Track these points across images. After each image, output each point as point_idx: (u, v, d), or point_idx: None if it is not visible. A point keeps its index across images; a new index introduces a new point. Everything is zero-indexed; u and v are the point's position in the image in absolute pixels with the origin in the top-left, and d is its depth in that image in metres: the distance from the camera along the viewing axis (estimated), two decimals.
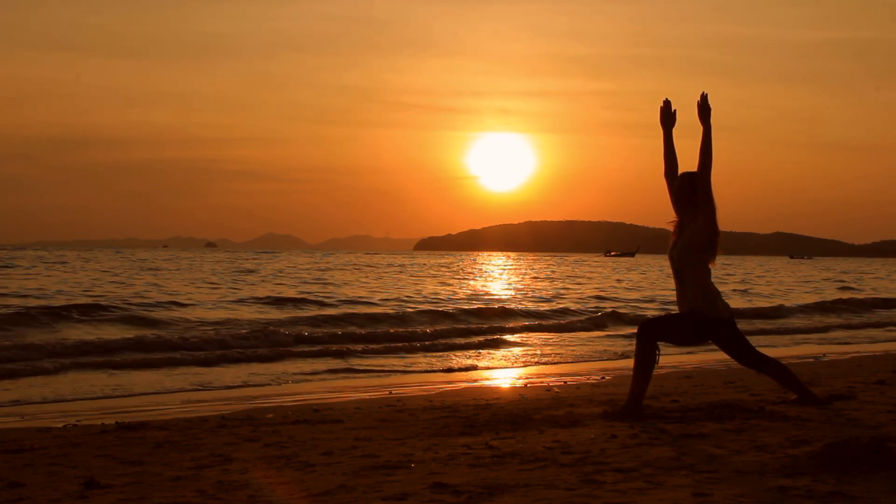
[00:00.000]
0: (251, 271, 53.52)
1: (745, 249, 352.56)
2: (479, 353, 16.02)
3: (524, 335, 19.57)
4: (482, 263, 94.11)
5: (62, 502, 4.49)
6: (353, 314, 22.11)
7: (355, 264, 75.48)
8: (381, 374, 13.10)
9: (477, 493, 4.13)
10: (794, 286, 46.62)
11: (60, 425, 8.04)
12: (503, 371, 13.56)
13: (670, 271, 6.41)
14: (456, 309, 24.71)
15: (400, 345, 16.77)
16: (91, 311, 20.82)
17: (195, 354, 14.50)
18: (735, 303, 29.48)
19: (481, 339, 18.11)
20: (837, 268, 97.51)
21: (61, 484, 4.93)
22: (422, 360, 14.73)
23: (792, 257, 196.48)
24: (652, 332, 6.19)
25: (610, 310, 25.51)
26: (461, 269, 70.90)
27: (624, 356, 15.14)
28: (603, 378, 11.70)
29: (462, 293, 34.20)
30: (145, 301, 24.78)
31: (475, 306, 25.84)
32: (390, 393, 10.47)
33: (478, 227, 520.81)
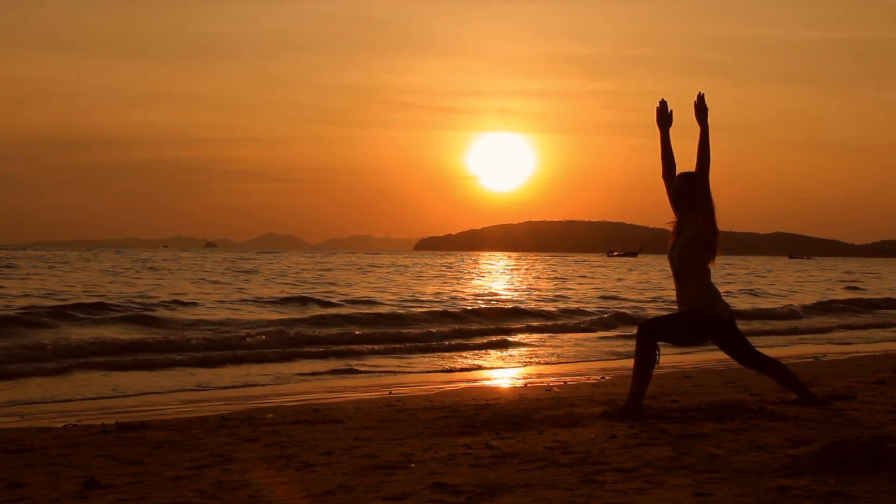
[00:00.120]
0: (253, 271, 53.51)
1: (745, 249, 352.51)
2: (483, 353, 16.03)
3: (530, 336, 19.48)
4: (484, 263, 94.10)
5: (62, 502, 4.49)
6: (356, 315, 22.08)
7: (357, 264, 75.47)
8: (382, 374, 13.10)
9: (477, 493, 4.13)
10: (800, 286, 46.59)
11: (60, 425, 8.04)
12: (503, 371, 13.57)
13: (671, 272, 6.41)
14: (461, 309, 24.69)
15: (403, 345, 16.71)
16: (94, 311, 20.83)
17: (196, 355, 14.49)
18: (743, 304, 29.56)
19: (486, 339, 18.06)
20: (839, 268, 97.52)
21: (61, 484, 4.93)
22: (425, 361, 14.73)
23: (791, 257, 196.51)
24: (652, 333, 6.19)
25: (618, 310, 25.48)
26: (464, 269, 70.86)
27: (626, 356, 15.14)
28: (603, 378, 11.70)
29: (467, 293, 34.17)
30: (148, 301, 24.79)
31: (480, 307, 25.83)
32: (390, 393, 10.47)
33: (478, 227, 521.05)
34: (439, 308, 24.98)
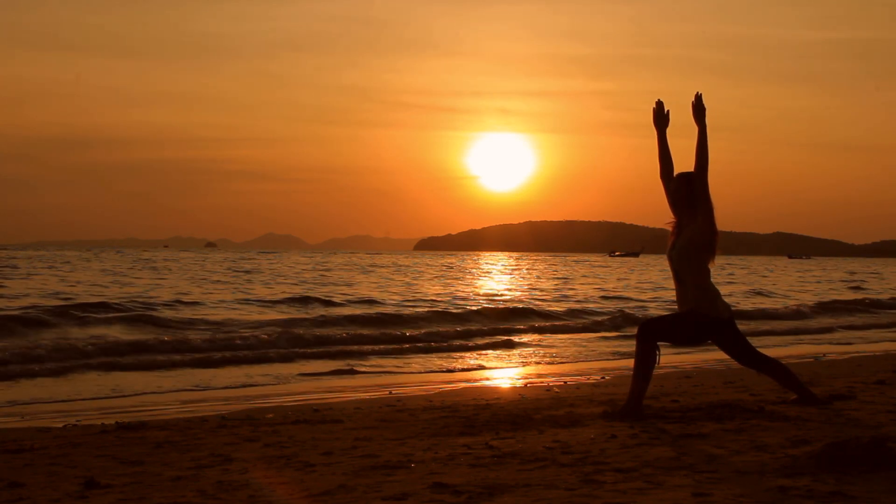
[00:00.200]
0: (254, 271, 53.48)
1: (745, 249, 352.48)
2: (484, 353, 16.03)
3: (533, 336, 19.43)
4: (486, 264, 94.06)
5: (62, 502, 4.49)
6: (358, 315, 22.06)
7: (358, 264, 75.43)
8: (382, 374, 13.10)
9: (477, 493, 4.13)
10: (805, 287, 46.57)
11: (60, 425, 8.04)
12: (503, 371, 13.57)
13: (670, 272, 6.41)
14: (464, 310, 24.67)
15: (405, 346, 16.69)
16: (95, 311, 20.83)
17: (196, 355, 14.49)
18: (745, 304, 29.54)
19: (488, 340, 18.02)
20: (841, 268, 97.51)
21: (61, 484, 4.93)
22: (425, 361, 14.72)
23: (790, 257, 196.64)
24: (652, 333, 6.19)
25: (624, 310, 25.46)
26: (466, 269, 70.81)
27: (626, 356, 15.14)
28: (603, 378, 11.70)
29: (470, 293, 34.14)
30: (149, 301, 24.79)
31: (483, 307, 25.81)
32: (390, 393, 10.47)
33: (478, 227, 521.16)
34: (441, 308, 24.96)
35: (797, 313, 26.45)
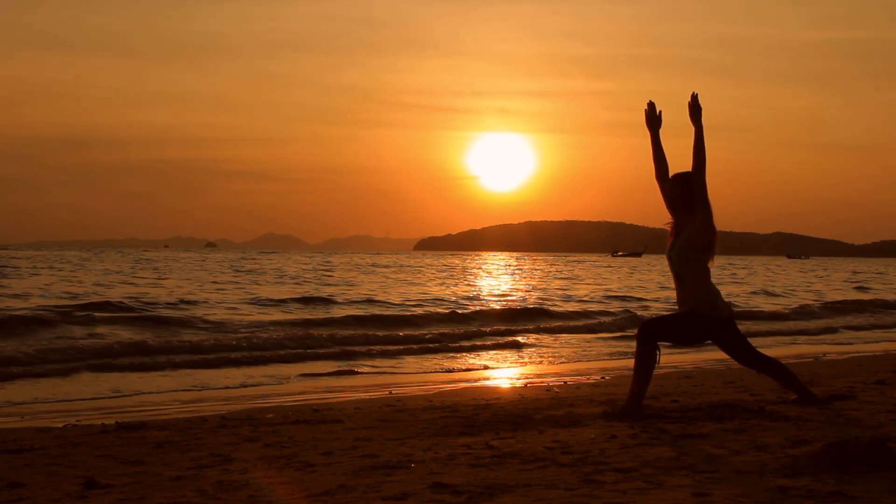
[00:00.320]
0: (256, 271, 53.45)
1: (746, 249, 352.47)
2: (486, 353, 16.02)
3: (539, 336, 19.39)
4: (488, 264, 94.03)
5: (62, 502, 4.49)
6: (360, 315, 22.04)
7: (360, 265, 75.39)
8: (382, 374, 13.10)
9: (477, 493, 4.13)
10: (809, 287, 46.54)
11: (60, 425, 8.04)
12: (504, 371, 13.57)
13: (670, 272, 6.41)
14: (468, 310, 24.67)
15: (408, 347, 16.62)
16: (96, 311, 20.82)
17: (196, 355, 14.49)
18: (751, 304, 29.53)
19: (493, 341, 17.98)
20: (842, 268, 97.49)
21: (61, 484, 4.93)
22: (427, 362, 14.72)
23: (789, 257, 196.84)
24: (652, 333, 6.19)
25: (630, 310, 25.44)
26: (471, 269, 70.74)
27: (626, 356, 15.14)
28: (603, 378, 11.70)
29: (477, 294, 34.10)
30: (150, 301, 24.78)
31: (487, 307, 25.78)
32: (390, 393, 10.47)
33: (478, 227, 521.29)
34: (446, 309, 24.94)
35: (804, 314, 26.46)
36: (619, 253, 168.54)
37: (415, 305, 26.49)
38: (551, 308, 25.97)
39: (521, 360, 14.93)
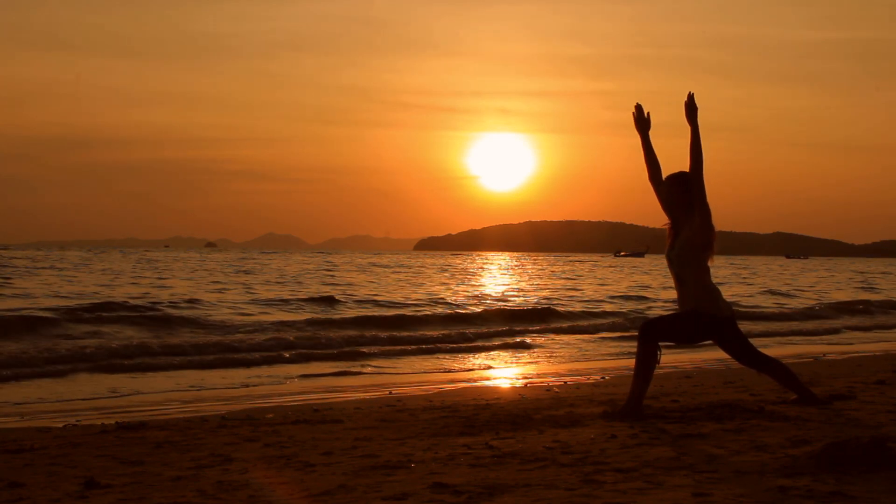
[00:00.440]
0: (257, 272, 53.42)
1: (746, 249, 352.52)
2: (487, 354, 16.02)
3: (553, 336, 19.33)
4: (491, 264, 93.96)
5: (62, 502, 4.49)
6: (361, 316, 22.03)
7: (361, 265, 75.36)
8: (382, 374, 13.10)
9: (477, 493, 4.13)
10: (814, 287, 46.52)
11: (60, 425, 8.04)
12: (504, 371, 13.57)
13: (670, 273, 6.41)
14: (470, 311, 24.64)
15: (411, 347, 16.60)
16: (97, 311, 20.82)
17: (197, 356, 14.49)
18: (756, 304, 29.51)
19: (499, 341, 17.96)
20: (843, 268, 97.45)
21: (61, 484, 4.93)
22: (435, 362, 14.71)
23: (788, 257, 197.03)
24: (653, 333, 6.19)
25: (638, 310, 25.40)
26: (473, 269, 70.68)
27: (627, 356, 15.14)
28: (603, 378, 11.71)
29: (476, 294, 34.06)
30: (151, 301, 24.78)
31: (490, 308, 25.74)
32: (390, 393, 10.48)
33: (478, 227, 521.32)
34: (453, 310, 24.91)
35: (810, 314, 26.45)
36: (622, 253, 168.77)
37: (417, 305, 26.47)
38: (560, 309, 25.87)
39: (523, 361, 14.93)
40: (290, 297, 28.57)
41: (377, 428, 6.50)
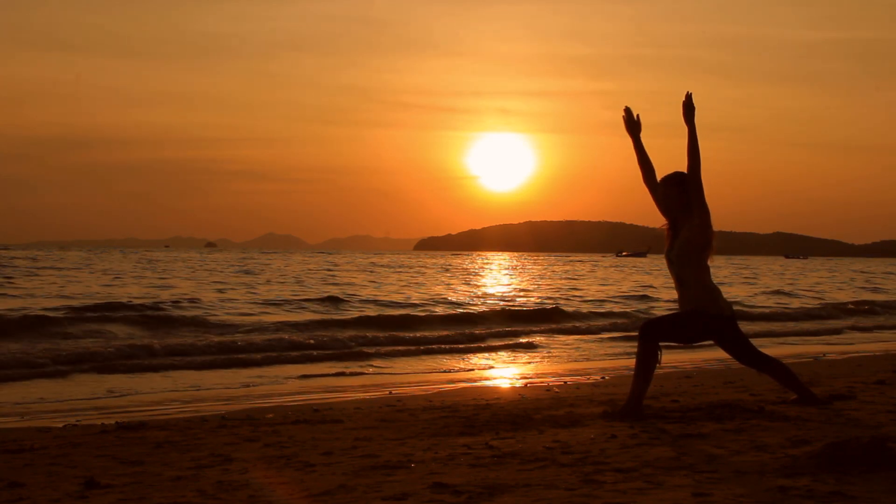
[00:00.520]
0: (259, 272, 53.39)
1: (746, 249, 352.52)
2: (487, 354, 16.01)
3: (559, 337, 19.29)
4: (492, 264, 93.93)
5: (62, 502, 4.49)
6: (361, 316, 22.02)
7: (362, 265, 75.32)
8: (382, 374, 13.10)
9: (477, 493, 4.13)
10: (817, 287, 46.49)
11: (60, 425, 8.04)
12: (504, 371, 13.57)
13: (670, 273, 6.40)
14: (472, 311, 24.63)
15: (414, 348, 16.57)
16: (98, 311, 20.83)
17: (197, 356, 14.49)
18: (767, 305, 29.51)
19: (500, 342, 17.93)
20: (844, 268, 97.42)
21: (61, 484, 4.93)
22: (429, 362, 14.71)
23: (787, 257, 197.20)
24: (654, 333, 6.18)
25: (642, 310, 25.38)
26: (473, 269, 70.64)
27: (627, 356, 15.14)
28: (603, 378, 11.71)
29: (477, 294, 34.05)
30: (152, 301, 24.78)
31: (493, 308, 25.72)
32: (390, 393, 10.48)
33: (478, 227, 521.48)
34: (458, 310, 24.89)
35: (818, 315, 26.43)
36: (624, 253, 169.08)
37: (417, 305, 26.46)
38: (566, 309, 25.82)
39: (523, 361, 14.93)
40: (289, 297, 28.56)
41: (377, 428, 6.50)
